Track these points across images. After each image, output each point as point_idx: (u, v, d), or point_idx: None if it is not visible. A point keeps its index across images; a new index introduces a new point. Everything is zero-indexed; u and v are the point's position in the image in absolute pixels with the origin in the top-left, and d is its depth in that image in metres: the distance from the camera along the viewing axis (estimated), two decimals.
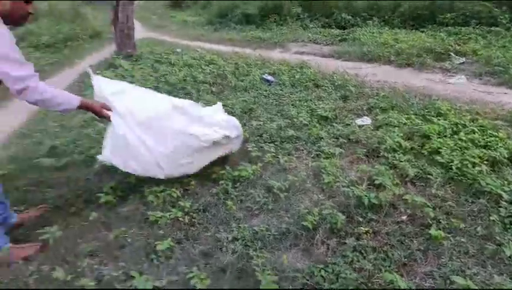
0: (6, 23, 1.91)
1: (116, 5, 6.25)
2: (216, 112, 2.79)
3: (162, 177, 2.44)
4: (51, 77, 6.54)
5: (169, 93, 4.93)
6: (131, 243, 2.12)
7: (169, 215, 2.27)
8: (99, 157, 2.34)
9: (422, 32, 7.66)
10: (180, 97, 4.66)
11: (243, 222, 2.22)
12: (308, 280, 1.73)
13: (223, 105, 4.24)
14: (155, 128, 2.37)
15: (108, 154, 2.32)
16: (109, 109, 2.29)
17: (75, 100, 2.12)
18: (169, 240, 2.03)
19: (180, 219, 2.25)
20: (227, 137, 2.62)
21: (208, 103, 4.37)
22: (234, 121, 2.75)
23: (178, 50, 7.68)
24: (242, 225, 2.16)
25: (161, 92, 4.82)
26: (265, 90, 4.86)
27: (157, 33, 11.03)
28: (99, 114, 2.25)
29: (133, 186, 2.63)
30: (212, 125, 2.59)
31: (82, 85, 5.57)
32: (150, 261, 1.98)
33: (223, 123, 2.65)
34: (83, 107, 2.17)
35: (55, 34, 9.00)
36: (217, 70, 5.85)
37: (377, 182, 2.38)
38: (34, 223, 2.44)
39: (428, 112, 3.60)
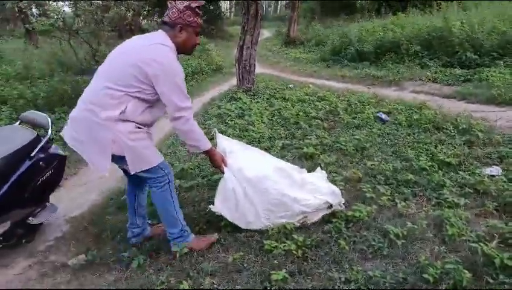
0: (178, 52, 2.30)
1: (241, 44, 6.84)
2: (318, 178, 2.87)
3: (262, 227, 2.60)
4: None
5: (282, 126, 5.19)
6: (247, 268, 2.26)
7: (284, 246, 2.36)
8: (211, 207, 2.57)
9: None
10: (293, 131, 4.89)
11: (356, 264, 2.19)
12: None
13: (334, 142, 4.33)
14: (260, 187, 2.56)
15: (218, 205, 2.56)
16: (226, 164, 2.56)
17: (207, 145, 2.41)
18: (284, 272, 2.11)
19: (294, 251, 2.32)
20: (327, 203, 2.68)
21: (320, 138, 4.48)
22: (336, 189, 2.78)
23: (291, 86, 8.01)
24: (355, 267, 2.14)
25: (276, 126, 5.14)
26: (379, 129, 4.77)
27: (272, 69, 11.65)
28: (216, 164, 2.54)
29: None
30: (313, 192, 2.69)
31: (206, 115, 6.15)
32: (264, 288, 2.08)
33: (324, 190, 2.72)
34: (209, 153, 2.48)
35: (186, 67, 10.17)
36: (329, 107, 5.94)
37: (511, 241, 2.16)
38: (163, 236, 2.76)
39: None
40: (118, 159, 2.24)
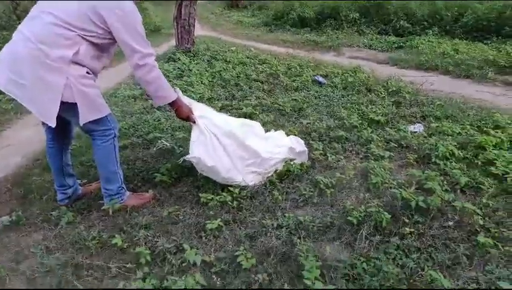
0: None
1: (180, 1, 6.55)
2: (279, 134, 2.97)
3: (239, 180, 2.52)
4: (110, 67, 6.96)
5: (223, 88, 5.14)
6: (182, 220, 2.27)
7: (219, 198, 2.40)
8: (188, 156, 2.40)
9: (485, 44, 7.34)
10: (233, 93, 4.88)
11: (288, 212, 2.30)
12: (349, 271, 1.77)
13: (273, 103, 4.39)
14: (230, 135, 2.51)
15: (196, 152, 2.39)
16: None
17: (174, 94, 2.28)
18: (219, 221, 2.15)
19: (229, 202, 2.37)
20: (292, 149, 2.78)
21: (260, 100, 4.51)
22: (298, 138, 2.95)
23: (233, 48, 7.90)
24: (287, 214, 2.24)
25: (216, 88, 5.08)
26: (317, 92, 4.90)
27: (214, 32, 11.38)
28: (184, 115, 2.38)
29: (186, 169, 2.80)
30: (279, 146, 2.76)
31: None
32: (199, 238, 2.11)
33: (287, 142, 2.84)
34: (176, 104, 2.32)
35: None
36: (270, 70, 5.98)
37: (426, 186, 2.36)
38: (95, 195, 2.67)
39: (485, 123, 3.48)
40: (65, 108, 2.03)
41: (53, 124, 2.03)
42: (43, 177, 2.93)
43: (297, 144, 2.87)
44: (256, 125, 2.78)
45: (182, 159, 2.47)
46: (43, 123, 2.19)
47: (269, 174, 2.66)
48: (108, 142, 2.25)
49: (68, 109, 2.05)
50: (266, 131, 2.94)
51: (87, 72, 2.07)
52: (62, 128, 2.28)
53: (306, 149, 2.91)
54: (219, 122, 2.54)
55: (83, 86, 2.02)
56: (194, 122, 2.43)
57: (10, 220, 2.41)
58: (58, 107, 2.00)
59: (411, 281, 1.68)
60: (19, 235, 2.30)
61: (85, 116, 2.08)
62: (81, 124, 2.11)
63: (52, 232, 2.26)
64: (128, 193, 2.47)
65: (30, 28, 1.99)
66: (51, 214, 2.41)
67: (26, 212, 2.50)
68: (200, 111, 2.50)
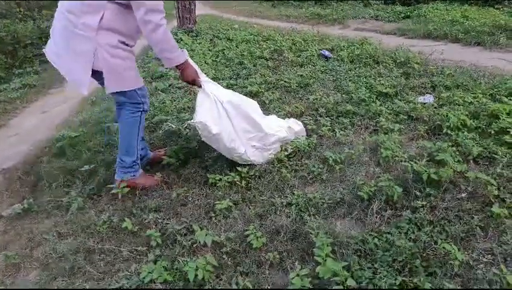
0: None
1: None
2: (274, 117, 2.91)
3: (241, 151, 2.42)
4: None
5: (227, 67, 5.06)
6: (191, 201, 2.27)
7: (227, 178, 2.38)
8: (193, 121, 2.27)
9: (497, 9, 7.10)
10: (238, 71, 4.81)
11: (297, 189, 2.27)
12: (361, 247, 1.75)
13: (278, 80, 4.32)
14: (235, 105, 2.43)
15: (202, 117, 2.26)
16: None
17: (181, 57, 2.20)
18: (228, 201, 2.14)
19: (237, 182, 2.36)
20: (291, 129, 2.74)
21: (264, 77, 4.44)
22: (294, 119, 2.91)
23: (235, 26, 7.76)
24: (296, 192, 2.21)
25: (220, 67, 5.00)
26: (323, 66, 4.80)
27: (216, 10, 11.18)
28: (191, 78, 2.29)
29: (193, 151, 2.78)
30: (279, 125, 2.71)
31: (145, 58, 5.84)
32: (209, 218, 2.11)
33: (283, 123, 2.78)
34: (184, 65, 2.22)
35: None
36: (274, 46, 5.85)
37: (437, 158, 2.31)
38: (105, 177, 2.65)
39: (497, 91, 3.38)
40: (99, 77, 2.10)
41: (85, 92, 2.08)
42: (52, 165, 2.94)
43: (294, 124, 2.83)
44: (255, 102, 2.69)
45: (186, 123, 2.40)
46: None
47: (268, 152, 2.59)
48: (134, 115, 2.28)
49: (101, 78, 2.09)
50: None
51: (121, 42, 2.06)
52: None
53: (303, 127, 2.88)
54: (226, 92, 2.48)
55: (110, 55, 2.03)
56: (200, 86, 2.35)
57: (22, 208, 2.44)
58: (89, 76, 2.05)
59: (424, 254, 1.65)
60: (31, 222, 2.33)
61: (110, 86, 2.11)
62: (107, 93, 2.16)
63: (63, 219, 2.28)
64: (141, 171, 2.48)
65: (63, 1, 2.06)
66: (62, 201, 2.42)
67: (37, 199, 2.53)
68: (206, 79, 2.42)
